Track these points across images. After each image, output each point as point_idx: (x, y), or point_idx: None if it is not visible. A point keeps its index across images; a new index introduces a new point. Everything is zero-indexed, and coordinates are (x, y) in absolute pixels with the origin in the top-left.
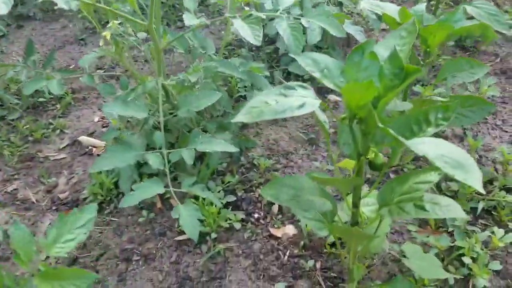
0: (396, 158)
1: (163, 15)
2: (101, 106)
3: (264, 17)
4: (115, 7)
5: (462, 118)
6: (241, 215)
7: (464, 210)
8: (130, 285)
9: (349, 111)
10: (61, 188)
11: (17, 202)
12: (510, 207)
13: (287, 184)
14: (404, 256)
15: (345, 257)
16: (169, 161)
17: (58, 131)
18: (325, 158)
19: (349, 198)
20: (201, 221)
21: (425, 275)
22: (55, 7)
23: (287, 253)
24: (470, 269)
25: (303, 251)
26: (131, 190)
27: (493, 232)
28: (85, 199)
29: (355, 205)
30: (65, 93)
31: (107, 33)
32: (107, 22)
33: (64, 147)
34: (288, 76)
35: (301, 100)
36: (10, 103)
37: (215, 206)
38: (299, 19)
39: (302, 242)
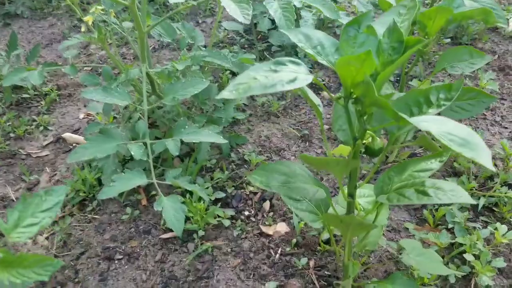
0: (392, 143)
1: (154, 11)
2: (87, 103)
3: None
4: None
5: (460, 111)
6: (230, 212)
7: (464, 207)
8: (111, 285)
9: (345, 89)
10: (43, 186)
11: None
12: None
13: (278, 170)
14: (402, 251)
15: (340, 254)
16: (153, 152)
17: (41, 128)
18: (319, 155)
19: (344, 189)
20: (188, 218)
21: (426, 271)
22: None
23: (279, 251)
24: (472, 267)
25: (296, 249)
26: (112, 181)
27: (495, 229)
28: (66, 195)
29: (351, 195)
30: (50, 89)
31: (89, 18)
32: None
33: (48, 144)
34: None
35: (292, 75)
36: None
37: (203, 202)
38: (291, 1)
39: (294, 240)
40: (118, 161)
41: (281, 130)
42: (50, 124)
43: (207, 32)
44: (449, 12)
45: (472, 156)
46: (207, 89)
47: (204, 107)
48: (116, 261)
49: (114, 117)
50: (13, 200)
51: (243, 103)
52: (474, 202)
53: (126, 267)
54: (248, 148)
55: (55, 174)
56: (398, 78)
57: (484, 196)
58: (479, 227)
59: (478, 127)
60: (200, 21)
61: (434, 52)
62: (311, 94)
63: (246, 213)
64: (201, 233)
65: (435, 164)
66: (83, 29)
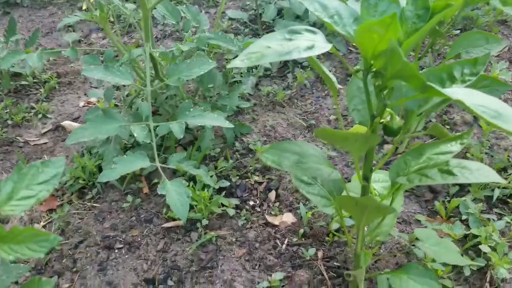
0: (412, 121)
1: None
2: (87, 91)
3: None
4: None
5: None
6: (235, 201)
7: (478, 199)
8: (111, 275)
9: (365, 61)
10: None
11: None
12: None
13: (290, 149)
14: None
15: (352, 243)
16: (156, 135)
17: (40, 115)
18: (326, 145)
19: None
20: (191, 207)
21: (443, 261)
22: None
23: (285, 242)
24: (488, 259)
25: (303, 239)
26: (113, 163)
27: None
28: (65, 183)
29: (366, 178)
30: (50, 77)
31: None
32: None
33: (46, 132)
34: (286, 62)
35: (309, 42)
36: None
37: (207, 190)
38: None
39: (301, 230)
40: (120, 148)
41: (286, 120)
42: (49, 112)
43: (211, 23)
44: None
45: (507, 127)
46: (212, 76)
47: (208, 94)
48: (116, 250)
49: (116, 105)
50: None
51: (248, 93)
52: (503, 181)
53: (126, 256)
54: (253, 137)
55: None
56: None
57: (498, 187)
58: (493, 219)
59: None
60: (203, 11)
61: (443, 43)
62: (328, 72)
63: (251, 203)
64: (204, 222)
65: (455, 147)
66: (84, 7)
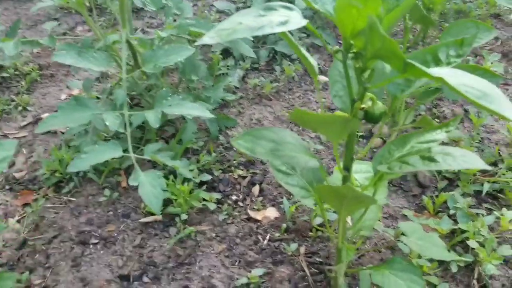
0: (395, 106)
1: None
2: (69, 83)
3: None
4: None
5: None
6: (217, 196)
7: (467, 194)
8: (84, 271)
9: (344, 41)
10: (18, 167)
11: None
12: None
13: (266, 136)
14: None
15: (334, 237)
16: (131, 124)
17: (20, 108)
18: (313, 139)
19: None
20: (170, 201)
21: (428, 255)
22: None
23: (267, 237)
24: (476, 255)
25: (286, 234)
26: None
27: (501, 215)
28: (41, 176)
29: (347, 167)
30: (31, 69)
31: None
32: None
33: (26, 125)
34: (274, 55)
35: (284, 18)
36: None
37: (187, 184)
38: None
39: (284, 225)
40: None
41: (273, 114)
42: (29, 104)
43: (198, 15)
44: None
45: (493, 108)
46: (195, 66)
47: (191, 84)
48: (91, 246)
49: (98, 98)
50: None
51: (234, 85)
52: (488, 167)
53: (101, 252)
54: (238, 131)
55: (32, 156)
56: None
57: (488, 182)
58: (482, 214)
59: (480, 112)
60: (191, 4)
61: (435, 36)
62: (307, 55)
63: (234, 197)
64: (184, 217)
65: (440, 135)
66: None
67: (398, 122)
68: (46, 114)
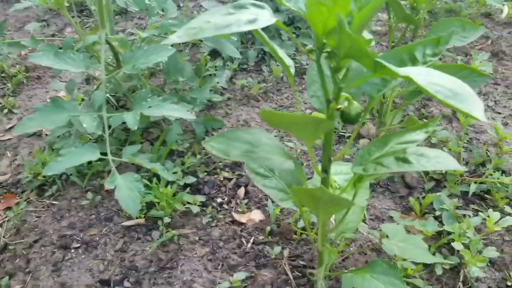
0: (371, 106)
1: None
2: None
3: None
4: None
5: None
6: (201, 198)
7: (454, 194)
8: (65, 276)
9: (317, 39)
10: (2, 170)
11: None
12: (505, 190)
13: (240, 138)
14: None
15: (315, 240)
16: (110, 126)
17: (6, 110)
18: (299, 140)
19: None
20: (154, 204)
21: (409, 258)
22: None
23: (251, 240)
24: (461, 257)
25: (270, 237)
26: (59, 155)
27: (488, 216)
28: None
29: (325, 169)
30: (18, 71)
31: None
32: None
33: (11, 127)
34: (263, 56)
35: (252, 16)
36: None
37: (171, 187)
38: None
39: (268, 228)
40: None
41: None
42: (15, 107)
43: (188, 15)
44: None
45: (462, 108)
46: (179, 67)
47: (177, 85)
48: (72, 250)
49: (83, 99)
50: None
51: (222, 86)
52: (463, 168)
53: (83, 256)
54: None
55: (16, 159)
56: None
57: (475, 182)
58: (469, 215)
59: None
60: (181, 5)
61: (424, 35)
62: (282, 54)
63: (219, 200)
64: (167, 220)
65: (420, 135)
66: None
67: (386, 122)
68: None
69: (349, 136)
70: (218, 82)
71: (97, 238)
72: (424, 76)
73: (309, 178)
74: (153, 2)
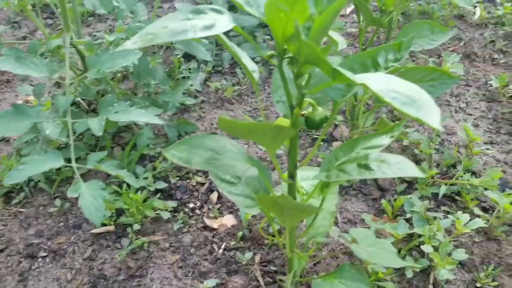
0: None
1: None
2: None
3: None
4: None
5: None
6: (172, 204)
7: (425, 196)
8: (31, 286)
9: (277, 45)
10: None
11: None
12: (475, 191)
13: (204, 145)
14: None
15: (284, 246)
16: (74, 132)
17: None
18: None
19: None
20: (123, 210)
21: (377, 263)
22: None
23: (223, 246)
24: (431, 260)
25: (241, 243)
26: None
27: (457, 218)
28: None
29: (291, 175)
30: None
31: None
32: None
33: None
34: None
35: (210, 21)
36: None
37: (141, 193)
38: None
39: (240, 233)
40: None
41: (234, 117)
42: None
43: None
44: None
45: (418, 115)
46: (150, 70)
47: (148, 89)
48: (39, 259)
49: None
50: None
51: (196, 89)
52: (422, 175)
53: (50, 265)
54: None
55: None
56: None
57: (445, 184)
58: (440, 217)
59: (441, 113)
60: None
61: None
62: (246, 59)
63: (191, 205)
64: (136, 227)
65: (386, 140)
66: None
67: (359, 125)
68: None
69: (323, 139)
70: (191, 85)
71: (65, 246)
72: (382, 82)
73: (279, 183)
74: (122, 4)
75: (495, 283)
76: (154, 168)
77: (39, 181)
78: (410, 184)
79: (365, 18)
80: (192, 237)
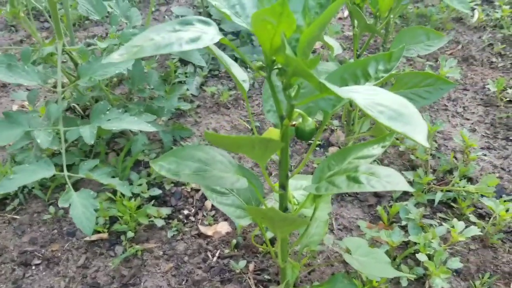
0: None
1: None
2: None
3: None
4: None
5: (417, 98)
6: (166, 211)
7: (421, 203)
8: None
9: (265, 56)
10: None
11: None
12: (471, 198)
13: (193, 156)
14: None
15: (276, 255)
16: (66, 140)
17: None
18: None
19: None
20: (116, 218)
21: (371, 273)
22: None
23: (217, 254)
24: (426, 268)
25: (236, 250)
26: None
27: (452, 227)
28: None
29: (283, 186)
30: None
31: None
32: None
33: None
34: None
35: (196, 34)
36: None
37: (135, 200)
38: None
39: (234, 241)
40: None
41: (230, 123)
42: None
43: (160, 21)
44: None
45: (404, 131)
46: (144, 75)
47: (143, 94)
48: (33, 267)
49: None
50: None
51: (192, 93)
52: (412, 189)
53: (44, 273)
54: (194, 141)
55: None
56: None
57: (441, 191)
58: (435, 225)
59: (436, 118)
60: (153, 9)
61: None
62: (236, 68)
63: (186, 212)
64: (130, 234)
65: (377, 150)
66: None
67: (354, 130)
68: None
69: (319, 144)
70: (187, 89)
71: (59, 254)
72: (369, 96)
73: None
74: (116, 10)
75: None
76: (149, 174)
77: (33, 188)
78: (406, 191)
79: (359, 24)
80: (186, 244)
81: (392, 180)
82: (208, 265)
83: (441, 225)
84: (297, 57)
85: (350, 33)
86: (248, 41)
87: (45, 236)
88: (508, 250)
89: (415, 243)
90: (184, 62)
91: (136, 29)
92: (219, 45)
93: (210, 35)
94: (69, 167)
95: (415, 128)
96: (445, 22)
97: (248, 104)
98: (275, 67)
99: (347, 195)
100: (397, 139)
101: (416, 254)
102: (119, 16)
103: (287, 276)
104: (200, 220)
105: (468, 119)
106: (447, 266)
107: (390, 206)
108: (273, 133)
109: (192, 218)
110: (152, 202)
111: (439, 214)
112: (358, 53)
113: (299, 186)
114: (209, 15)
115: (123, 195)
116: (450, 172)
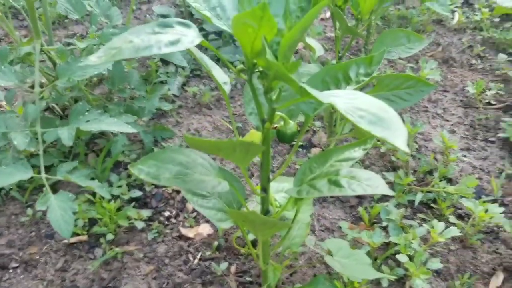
0: (307, 126)
1: None
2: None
3: None
4: None
5: (398, 100)
6: (147, 213)
7: (401, 204)
8: None
9: (246, 59)
10: None
11: None
12: (451, 199)
13: (173, 159)
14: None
15: (258, 257)
16: (44, 142)
17: None
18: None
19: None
20: (96, 220)
21: (352, 275)
22: None
23: (198, 256)
24: (406, 269)
25: (217, 252)
26: None
27: (432, 227)
28: None
29: (264, 189)
30: None
31: None
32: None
33: None
34: (217, 61)
35: (175, 36)
36: None
37: (114, 202)
38: None
39: (216, 243)
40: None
41: (212, 123)
42: None
43: (141, 20)
44: None
45: (384, 135)
46: (125, 75)
47: (123, 94)
48: (10, 270)
49: None
50: None
51: (173, 94)
52: (392, 193)
53: (21, 276)
54: (175, 142)
55: None
56: None
57: (422, 191)
58: (416, 225)
59: (417, 119)
60: (134, 8)
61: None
62: (216, 70)
63: (167, 213)
64: (110, 236)
65: (358, 153)
66: None
67: (336, 131)
68: None
69: (301, 145)
70: (169, 89)
71: (37, 257)
72: (349, 100)
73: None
74: (95, 9)
75: None
76: (129, 176)
77: (10, 189)
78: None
79: (340, 26)
80: (167, 247)
81: (372, 183)
82: (189, 267)
83: (421, 225)
84: (278, 61)
85: (332, 34)
86: (231, 41)
87: (22, 238)
88: (487, 250)
89: (396, 244)
90: (165, 61)
91: (116, 28)
92: (201, 45)
93: (189, 37)
94: (48, 169)
95: (395, 132)
96: (426, 24)
97: (229, 106)
98: (257, 70)
99: (329, 196)
100: (378, 140)
101: (397, 255)
102: (99, 15)
103: (269, 279)
104: (181, 222)
105: (448, 121)
106: (427, 266)
107: (372, 207)
108: (254, 135)
109: (173, 220)
110: (133, 204)
111: (419, 215)
112: (340, 54)
113: (280, 189)
114: (191, 15)
115: (103, 197)
116: (430, 173)
